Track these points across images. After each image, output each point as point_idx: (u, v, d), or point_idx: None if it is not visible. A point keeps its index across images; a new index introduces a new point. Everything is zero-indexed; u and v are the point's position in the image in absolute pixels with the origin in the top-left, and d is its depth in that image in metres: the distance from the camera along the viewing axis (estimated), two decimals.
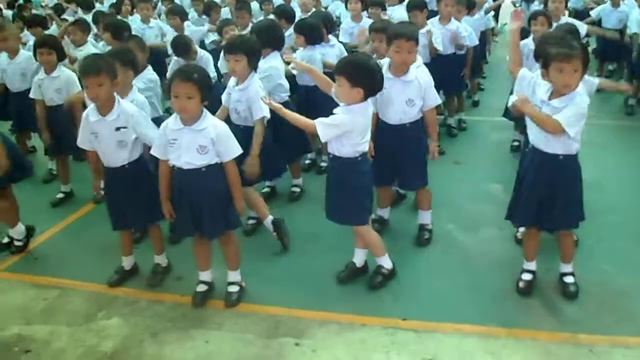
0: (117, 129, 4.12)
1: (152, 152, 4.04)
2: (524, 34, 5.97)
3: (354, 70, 3.84)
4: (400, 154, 4.65)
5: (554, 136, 3.73)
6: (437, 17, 7.05)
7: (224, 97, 4.91)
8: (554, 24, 5.93)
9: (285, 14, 6.97)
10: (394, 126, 4.62)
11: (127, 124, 4.14)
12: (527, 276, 4.28)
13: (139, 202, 4.31)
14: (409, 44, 4.36)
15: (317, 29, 6.06)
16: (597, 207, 4.07)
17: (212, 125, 3.88)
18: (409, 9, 6.76)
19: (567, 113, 3.64)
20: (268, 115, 4.63)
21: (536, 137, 3.88)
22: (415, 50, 4.43)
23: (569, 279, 4.22)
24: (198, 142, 3.85)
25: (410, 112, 4.56)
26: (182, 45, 6.44)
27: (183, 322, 4.11)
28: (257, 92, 4.64)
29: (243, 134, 4.60)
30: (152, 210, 4.27)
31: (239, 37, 5.12)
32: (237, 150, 3.98)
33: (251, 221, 5.22)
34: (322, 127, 3.85)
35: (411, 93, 4.51)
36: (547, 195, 3.93)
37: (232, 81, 4.85)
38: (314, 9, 8.13)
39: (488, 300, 4.21)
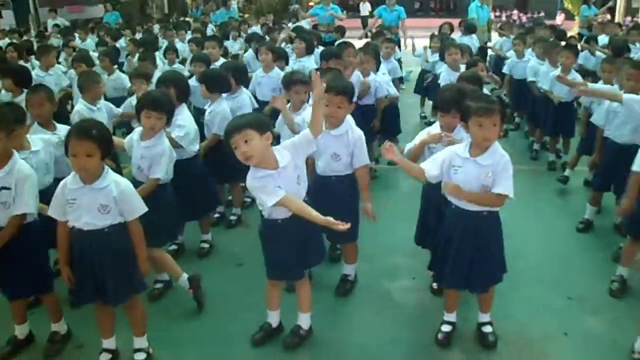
0: (1, 188, 3.81)
1: (49, 213, 3.74)
2: None
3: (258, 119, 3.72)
4: (330, 205, 4.54)
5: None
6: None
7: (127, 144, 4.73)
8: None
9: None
10: (321, 177, 4.58)
11: (11, 186, 3.82)
12: (446, 327, 4.23)
13: (23, 267, 3.96)
14: (338, 98, 4.31)
15: (222, 78, 5.92)
16: (507, 253, 4.12)
17: (114, 182, 3.65)
18: (323, 58, 6.79)
19: (506, 182, 3.70)
20: (163, 177, 4.52)
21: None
22: (345, 105, 4.38)
23: (487, 329, 4.20)
24: (99, 202, 3.61)
25: (336, 167, 4.50)
26: None
27: None
28: (165, 151, 4.51)
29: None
30: (40, 276, 3.99)
31: (164, 95, 4.81)
32: (142, 208, 3.76)
33: (158, 285, 4.92)
34: None
35: (338, 147, 4.44)
36: (474, 253, 3.91)
37: (136, 135, 4.63)
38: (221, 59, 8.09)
39: (408, 354, 4.13)
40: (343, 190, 4.57)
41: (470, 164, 3.75)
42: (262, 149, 3.61)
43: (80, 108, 5.72)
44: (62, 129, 4.68)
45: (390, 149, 3.83)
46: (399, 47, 13.15)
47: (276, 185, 3.64)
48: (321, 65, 6.81)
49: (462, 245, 3.90)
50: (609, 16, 17.93)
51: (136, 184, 4.30)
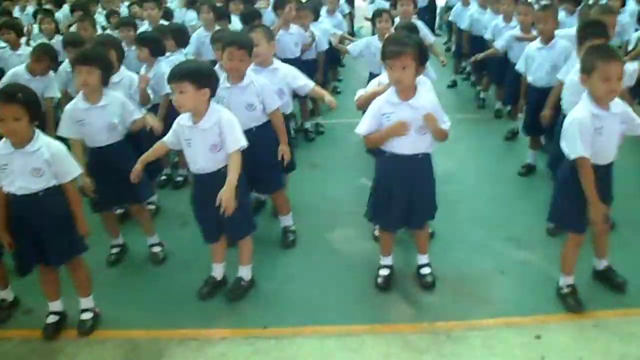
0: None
1: None
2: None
3: (199, 74, 3.75)
4: (251, 158, 4.56)
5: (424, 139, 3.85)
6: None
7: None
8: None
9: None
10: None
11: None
12: (384, 271, 4.31)
13: None
14: (240, 52, 4.33)
15: (160, 41, 5.86)
16: (448, 198, 4.22)
17: (45, 145, 3.60)
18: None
19: (443, 117, 3.85)
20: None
21: (397, 142, 3.87)
22: (246, 58, 4.40)
23: (425, 270, 4.30)
24: (31, 165, 3.56)
25: (252, 116, 4.50)
26: None
27: (33, 358, 3.79)
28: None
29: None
30: None
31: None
32: (76, 170, 3.73)
33: (115, 250, 4.89)
34: None
35: (249, 98, 4.46)
36: (409, 195, 3.98)
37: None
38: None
39: (348, 300, 4.20)
40: (264, 138, 4.58)
41: (403, 108, 3.79)
42: (196, 102, 3.73)
43: None
44: None
45: None
46: (352, 3, 13.06)
47: (184, 137, 3.84)
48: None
49: (401, 189, 3.97)
50: None
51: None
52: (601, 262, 4.16)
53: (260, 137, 4.50)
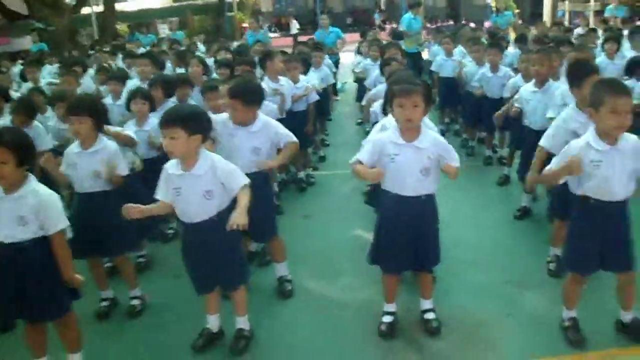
0: None
1: None
2: None
3: (191, 119, 3.66)
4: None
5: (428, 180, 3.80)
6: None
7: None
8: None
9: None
10: None
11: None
12: (387, 318, 4.18)
13: None
14: (232, 101, 4.37)
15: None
16: (445, 243, 4.12)
17: (33, 192, 3.46)
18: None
19: (452, 154, 3.79)
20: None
21: (400, 183, 3.82)
22: (240, 107, 4.39)
23: (430, 315, 4.17)
24: (17, 213, 3.42)
25: (254, 162, 4.44)
26: None
27: None
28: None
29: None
30: None
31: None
32: (63, 221, 3.56)
33: (104, 303, 4.72)
34: None
35: (259, 142, 4.45)
36: (414, 236, 3.90)
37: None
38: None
39: (353, 350, 4.05)
40: (260, 185, 4.46)
41: (408, 149, 3.75)
42: (186, 149, 3.62)
43: None
44: None
45: None
46: (337, 65, 13.22)
47: (173, 186, 3.72)
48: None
49: (405, 230, 3.88)
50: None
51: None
52: (627, 315, 3.94)
53: (256, 184, 4.40)
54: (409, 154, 3.75)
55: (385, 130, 4.08)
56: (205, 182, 3.69)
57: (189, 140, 3.59)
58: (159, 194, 3.82)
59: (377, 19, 31.11)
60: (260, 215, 4.53)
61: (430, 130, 3.87)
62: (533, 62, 5.84)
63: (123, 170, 4.49)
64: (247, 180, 3.74)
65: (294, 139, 4.59)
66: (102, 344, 4.28)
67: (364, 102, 6.85)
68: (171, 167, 3.77)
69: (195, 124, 3.63)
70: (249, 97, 4.44)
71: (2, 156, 3.35)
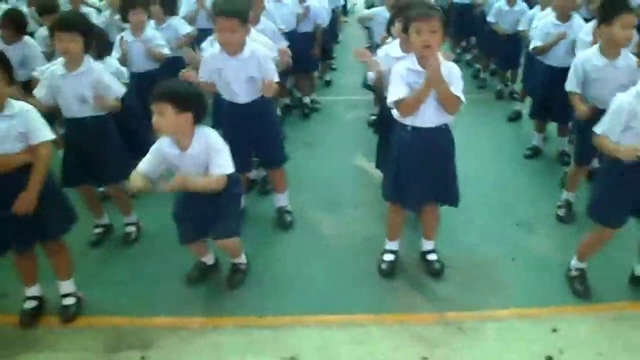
0: None
1: None
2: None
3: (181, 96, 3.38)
4: (256, 131, 4.29)
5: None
6: None
7: None
8: None
9: None
10: (240, 105, 4.23)
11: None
12: (389, 257, 4.07)
13: None
14: (228, 21, 3.91)
15: None
16: None
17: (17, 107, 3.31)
18: None
19: (458, 85, 3.49)
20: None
21: (420, 115, 3.58)
22: (239, 28, 3.97)
23: (432, 256, 4.07)
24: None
25: (254, 89, 4.18)
26: None
27: (9, 347, 3.47)
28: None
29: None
30: None
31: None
32: (48, 133, 3.37)
33: (98, 229, 4.60)
34: None
35: (252, 71, 4.12)
36: (435, 169, 3.72)
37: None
38: None
39: (352, 286, 3.94)
40: (266, 112, 4.32)
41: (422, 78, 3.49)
42: (176, 126, 3.37)
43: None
44: None
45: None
46: None
47: (171, 164, 3.49)
48: None
49: (425, 164, 3.69)
50: None
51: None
52: None
53: (263, 109, 4.26)
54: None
55: (399, 60, 3.82)
56: (202, 161, 3.48)
57: (178, 117, 3.33)
58: (144, 167, 3.50)
59: None
60: (270, 142, 4.44)
61: (445, 60, 3.61)
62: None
63: (118, 90, 4.21)
64: (224, 172, 3.47)
65: (275, 78, 4.19)
66: (94, 271, 4.18)
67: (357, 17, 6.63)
68: (165, 145, 3.49)
69: (185, 102, 3.34)
70: (244, 15, 4.03)
71: None
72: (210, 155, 3.45)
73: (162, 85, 3.44)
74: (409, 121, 3.62)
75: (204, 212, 3.61)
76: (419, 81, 3.47)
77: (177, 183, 3.35)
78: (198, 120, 3.45)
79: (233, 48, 4.04)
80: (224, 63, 4.09)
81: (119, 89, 4.24)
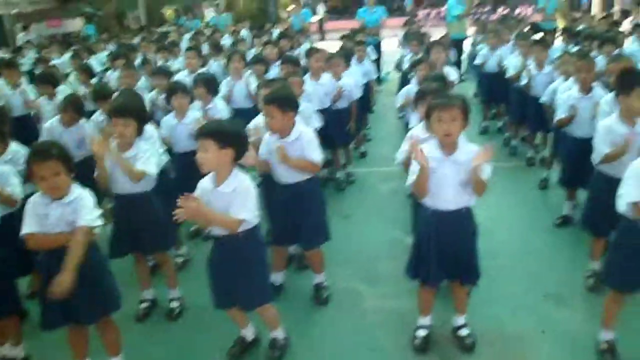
0: None
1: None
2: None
3: (223, 133, 3.65)
4: (299, 210, 4.53)
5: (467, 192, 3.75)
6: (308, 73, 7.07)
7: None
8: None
9: None
10: (285, 186, 4.53)
11: None
12: (422, 332, 4.19)
13: None
14: (268, 107, 4.30)
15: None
16: (484, 249, 4.08)
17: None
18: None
19: (486, 169, 3.66)
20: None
21: (440, 200, 3.79)
22: (277, 114, 4.29)
23: (464, 332, 4.17)
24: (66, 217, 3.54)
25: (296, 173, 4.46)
26: None
27: None
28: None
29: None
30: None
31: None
32: (94, 219, 3.60)
33: (144, 304, 4.83)
34: None
35: (296, 152, 4.39)
36: (454, 250, 3.87)
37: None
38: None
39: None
40: (312, 191, 4.55)
41: (446, 164, 3.71)
42: (217, 162, 3.61)
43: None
44: None
45: None
46: (379, 48, 13.15)
47: (204, 200, 3.63)
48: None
49: (445, 244, 3.85)
50: None
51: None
52: None
53: (308, 190, 4.52)
54: (447, 167, 3.71)
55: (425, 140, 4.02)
56: (230, 201, 3.64)
57: (220, 153, 3.56)
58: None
59: (408, 4, 30.03)
60: (311, 224, 4.62)
61: (469, 143, 3.82)
62: (578, 68, 5.64)
63: (152, 168, 4.44)
64: (244, 217, 3.62)
65: (316, 160, 4.44)
66: (141, 347, 4.38)
67: (397, 104, 6.82)
68: (204, 182, 3.75)
69: (227, 137, 3.60)
70: (285, 102, 4.33)
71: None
72: (238, 197, 3.62)
73: (206, 124, 3.77)
74: (430, 203, 3.82)
75: (229, 277, 3.78)
76: (437, 168, 3.68)
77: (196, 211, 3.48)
78: (239, 157, 3.68)
79: (275, 132, 4.38)
80: (274, 145, 4.38)
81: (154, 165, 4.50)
